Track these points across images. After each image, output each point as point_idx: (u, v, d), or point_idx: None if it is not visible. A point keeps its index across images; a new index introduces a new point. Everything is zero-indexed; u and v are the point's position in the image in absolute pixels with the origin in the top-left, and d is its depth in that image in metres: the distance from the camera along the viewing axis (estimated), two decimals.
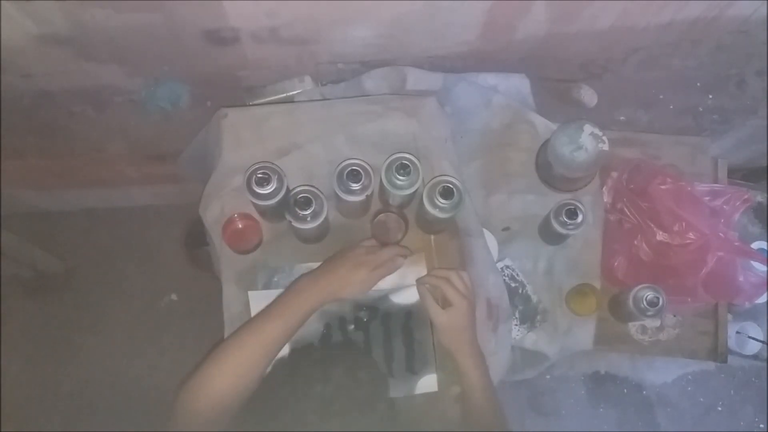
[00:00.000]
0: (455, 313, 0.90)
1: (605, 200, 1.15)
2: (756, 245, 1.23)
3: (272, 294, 0.97)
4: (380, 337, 0.99)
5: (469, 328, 0.92)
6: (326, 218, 0.93)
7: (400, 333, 0.99)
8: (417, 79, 1.12)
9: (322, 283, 0.89)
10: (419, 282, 0.96)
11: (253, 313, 0.96)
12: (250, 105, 1.12)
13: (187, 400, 0.77)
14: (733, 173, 1.23)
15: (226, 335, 0.97)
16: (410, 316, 1.00)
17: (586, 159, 1.01)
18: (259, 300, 0.97)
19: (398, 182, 0.91)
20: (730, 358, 1.16)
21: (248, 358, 0.81)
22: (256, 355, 0.81)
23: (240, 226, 1.00)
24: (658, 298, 1.00)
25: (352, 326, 0.99)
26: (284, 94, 1.13)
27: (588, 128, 1.02)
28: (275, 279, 1.00)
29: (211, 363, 0.80)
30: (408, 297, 1.00)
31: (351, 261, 0.91)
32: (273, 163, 0.90)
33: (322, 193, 0.92)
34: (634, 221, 1.11)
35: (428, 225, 1.01)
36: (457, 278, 0.93)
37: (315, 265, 1.00)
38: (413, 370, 0.99)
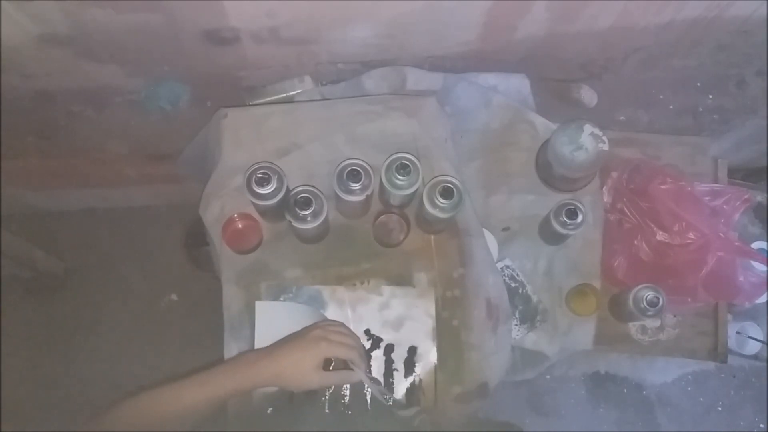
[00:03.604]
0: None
1: (605, 200, 1.15)
2: (756, 245, 1.23)
3: (279, 305, 0.96)
4: (381, 368, 0.98)
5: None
6: (326, 218, 0.93)
7: (401, 367, 0.98)
8: (417, 79, 1.11)
9: (264, 364, 0.82)
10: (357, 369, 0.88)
11: (258, 325, 0.94)
12: (250, 105, 1.12)
13: None
14: (733, 173, 1.23)
15: (226, 335, 0.97)
16: (414, 351, 0.98)
17: (586, 159, 1.01)
18: (265, 311, 0.95)
19: (398, 182, 0.91)
20: (730, 358, 1.16)
21: (162, 417, 0.76)
22: (170, 417, 0.77)
23: (240, 226, 1.00)
24: (658, 298, 1.00)
25: None
26: (284, 94, 1.12)
27: (588, 128, 1.02)
28: (281, 299, 0.99)
29: (124, 408, 0.76)
30: (414, 331, 0.99)
31: (308, 339, 0.84)
32: (273, 163, 0.90)
33: (322, 193, 0.92)
34: (634, 221, 1.11)
35: (428, 225, 1.01)
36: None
37: (328, 288, 0.98)
38: (411, 404, 0.97)
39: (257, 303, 0.96)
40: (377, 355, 0.98)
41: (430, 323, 0.99)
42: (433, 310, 0.99)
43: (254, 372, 0.82)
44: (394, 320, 0.99)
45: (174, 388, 0.79)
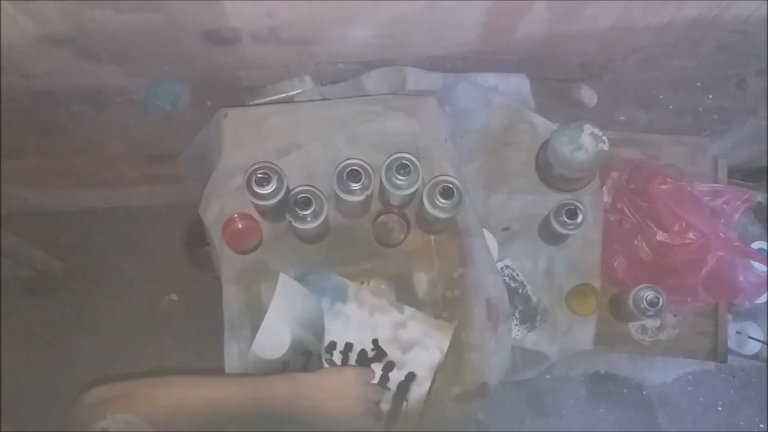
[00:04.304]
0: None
1: (605, 200, 1.15)
2: (756, 245, 1.23)
3: (299, 288, 0.95)
4: (374, 382, 0.96)
5: None
6: (326, 218, 0.93)
7: (394, 387, 0.97)
8: (417, 79, 1.12)
9: (300, 400, 0.78)
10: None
11: (276, 296, 0.92)
12: (250, 105, 1.12)
13: (92, 408, 0.67)
14: (733, 173, 1.23)
15: (226, 335, 0.97)
16: (412, 377, 0.97)
17: (586, 159, 1.01)
18: (287, 286, 0.93)
19: (398, 182, 0.91)
20: (730, 358, 1.16)
21: (181, 408, 0.71)
22: (183, 408, 0.72)
23: (240, 226, 1.00)
24: (658, 298, 1.00)
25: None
26: (284, 94, 1.13)
27: (588, 128, 1.02)
28: (309, 277, 0.99)
29: (143, 386, 0.72)
30: (420, 359, 0.97)
31: (359, 414, 0.81)
32: (273, 163, 0.90)
33: (322, 193, 0.92)
34: (634, 221, 1.11)
35: (428, 225, 1.01)
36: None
37: (354, 285, 0.98)
38: (390, 427, 0.96)
39: (281, 275, 0.94)
40: (375, 368, 0.97)
41: (437, 358, 0.98)
42: (446, 347, 0.98)
43: (294, 391, 0.78)
44: (405, 342, 0.98)
45: (198, 380, 0.75)
